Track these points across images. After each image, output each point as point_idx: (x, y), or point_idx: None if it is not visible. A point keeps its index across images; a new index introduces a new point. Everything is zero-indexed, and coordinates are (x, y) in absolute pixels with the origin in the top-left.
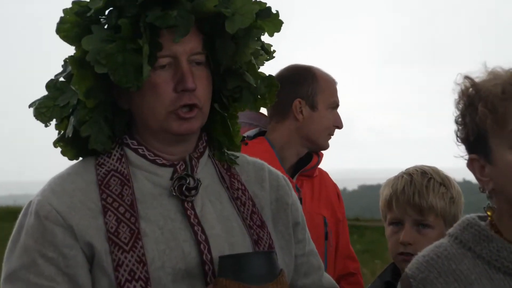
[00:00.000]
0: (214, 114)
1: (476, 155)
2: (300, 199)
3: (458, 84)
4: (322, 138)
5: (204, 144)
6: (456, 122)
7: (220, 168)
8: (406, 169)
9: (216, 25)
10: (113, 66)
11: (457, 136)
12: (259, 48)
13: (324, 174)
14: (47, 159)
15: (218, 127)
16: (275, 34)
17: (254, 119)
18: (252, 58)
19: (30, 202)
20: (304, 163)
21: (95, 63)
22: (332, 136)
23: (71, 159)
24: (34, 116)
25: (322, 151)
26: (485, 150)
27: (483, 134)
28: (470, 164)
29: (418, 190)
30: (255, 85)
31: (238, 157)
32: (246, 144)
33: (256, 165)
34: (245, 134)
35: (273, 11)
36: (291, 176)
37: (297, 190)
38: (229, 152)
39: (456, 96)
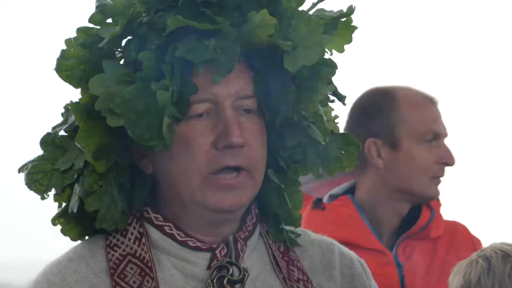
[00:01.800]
0: (267, 180)
1: None
2: (402, 279)
3: None
4: (419, 184)
5: (254, 220)
6: None
7: (274, 251)
8: (482, 250)
9: (270, 60)
10: (131, 117)
11: None
12: (330, 94)
13: (458, 231)
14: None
15: (273, 198)
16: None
17: None
18: (320, 107)
19: None
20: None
21: (108, 113)
22: (441, 178)
23: (74, 239)
24: (27, 184)
25: (437, 200)
26: None
27: None
28: None
29: (499, 280)
30: (323, 143)
31: (299, 235)
32: (323, 209)
33: (323, 246)
34: (330, 193)
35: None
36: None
37: (397, 266)
38: (288, 228)
39: None
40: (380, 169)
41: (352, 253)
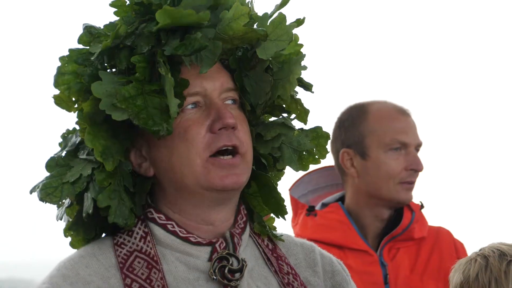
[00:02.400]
0: (250, 180)
1: None
2: (386, 276)
3: None
4: (388, 190)
5: (244, 219)
6: None
7: (264, 248)
8: (481, 249)
9: (244, 57)
10: (134, 110)
11: None
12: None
13: (442, 235)
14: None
15: (257, 196)
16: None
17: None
18: (294, 93)
19: None
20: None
21: (112, 109)
22: (411, 184)
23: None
24: (41, 199)
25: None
26: None
27: None
28: None
29: (495, 277)
30: (304, 123)
31: (282, 235)
32: (315, 215)
33: (305, 246)
34: (323, 201)
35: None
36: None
37: (382, 266)
38: (271, 231)
39: None
40: (354, 177)
41: (330, 254)
